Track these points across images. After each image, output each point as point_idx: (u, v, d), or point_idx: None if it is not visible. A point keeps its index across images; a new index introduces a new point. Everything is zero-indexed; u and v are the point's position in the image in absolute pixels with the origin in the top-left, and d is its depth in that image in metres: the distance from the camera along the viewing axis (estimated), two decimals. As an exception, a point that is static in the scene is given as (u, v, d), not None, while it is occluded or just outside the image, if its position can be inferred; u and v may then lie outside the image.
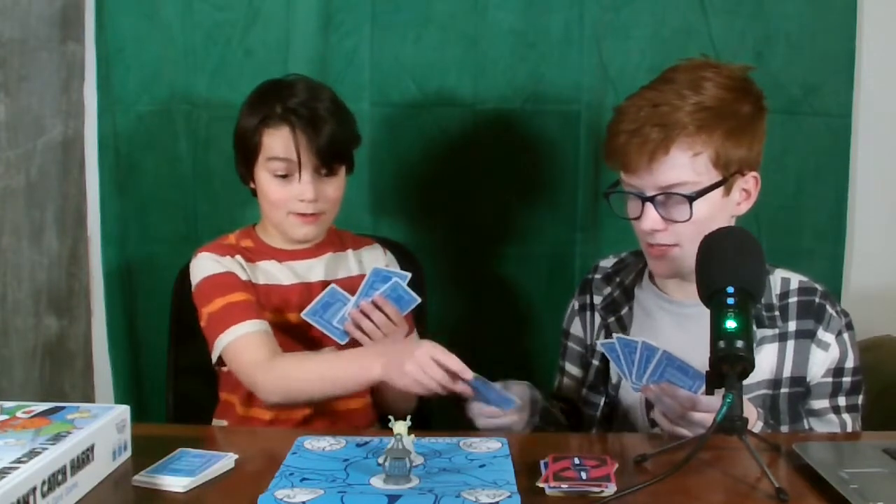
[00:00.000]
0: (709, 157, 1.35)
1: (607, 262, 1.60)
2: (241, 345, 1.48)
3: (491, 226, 2.08)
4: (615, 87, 2.00)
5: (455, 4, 2.01)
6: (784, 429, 1.39)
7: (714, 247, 1.23)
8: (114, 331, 2.15)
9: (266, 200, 1.59)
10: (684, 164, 1.34)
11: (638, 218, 1.39)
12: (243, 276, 1.58)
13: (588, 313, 1.58)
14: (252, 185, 1.62)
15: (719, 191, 1.37)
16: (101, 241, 2.14)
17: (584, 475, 1.07)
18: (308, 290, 1.62)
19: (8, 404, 1.16)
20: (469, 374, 1.30)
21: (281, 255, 1.63)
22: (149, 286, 2.10)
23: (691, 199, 1.34)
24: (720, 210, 1.38)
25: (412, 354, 1.31)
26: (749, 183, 1.41)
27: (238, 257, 1.60)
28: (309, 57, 2.03)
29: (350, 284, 1.62)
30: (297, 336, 1.60)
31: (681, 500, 1.06)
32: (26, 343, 1.98)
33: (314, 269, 1.64)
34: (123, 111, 2.08)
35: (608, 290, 1.55)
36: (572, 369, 1.59)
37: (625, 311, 1.50)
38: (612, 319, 1.51)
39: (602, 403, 1.48)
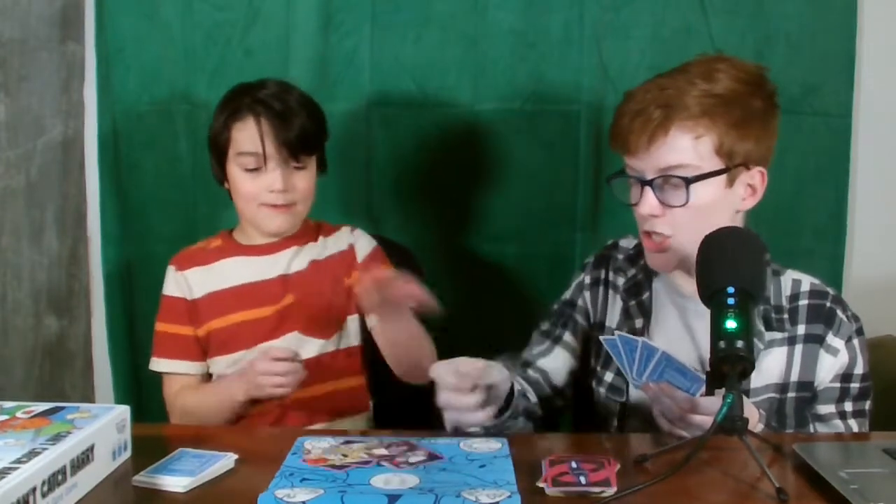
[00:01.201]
0: (711, 143, 1.33)
1: (628, 243, 1.56)
2: (165, 378, 1.68)
3: (491, 226, 2.08)
4: (615, 87, 2.00)
5: (455, 4, 2.01)
6: (789, 433, 1.38)
7: (714, 246, 1.22)
8: (114, 331, 2.15)
9: (238, 195, 1.62)
10: (685, 147, 1.33)
11: (637, 203, 1.38)
12: (199, 294, 1.65)
13: (601, 289, 1.54)
14: (227, 185, 1.65)
15: (721, 181, 1.35)
16: (101, 241, 2.14)
17: (582, 480, 1.07)
18: (266, 287, 1.64)
19: (8, 404, 1.16)
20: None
21: (248, 251, 1.67)
22: (149, 286, 2.09)
23: (688, 181, 1.32)
24: (722, 202, 1.36)
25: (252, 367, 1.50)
26: (755, 178, 1.39)
27: (194, 270, 1.67)
28: (309, 57, 2.03)
29: (314, 269, 1.65)
30: (252, 332, 1.63)
31: (681, 501, 1.06)
32: (26, 343, 1.98)
33: (276, 264, 1.66)
34: (123, 111, 2.09)
35: (633, 271, 1.52)
36: (571, 340, 1.55)
37: (646, 295, 1.48)
38: (633, 303, 1.49)
39: (626, 389, 1.47)
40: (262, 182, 1.58)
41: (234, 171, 1.60)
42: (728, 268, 1.17)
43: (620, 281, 1.52)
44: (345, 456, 1.16)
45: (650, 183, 1.35)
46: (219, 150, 1.61)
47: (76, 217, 2.14)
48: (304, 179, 1.61)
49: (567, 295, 1.58)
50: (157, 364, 1.67)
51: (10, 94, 1.90)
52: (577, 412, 1.59)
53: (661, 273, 1.48)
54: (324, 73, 2.03)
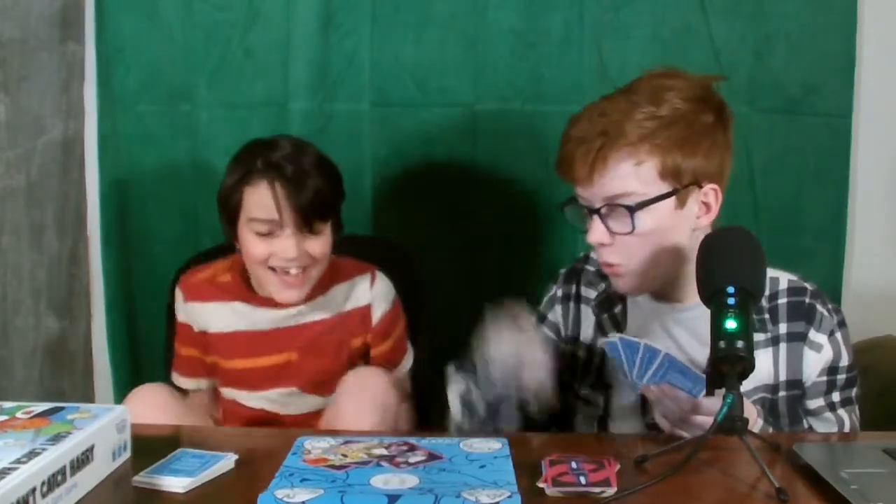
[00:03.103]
0: (655, 167, 1.31)
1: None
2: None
3: (491, 226, 2.08)
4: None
5: (455, 4, 2.01)
6: (789, 433, 1.38)
7: (714, 247, 1.22)
8: (114, 331, 2.15)
9: (248, 257, 1.55)
10: (627, 174, 1.31)
11: (587, 231, 1.36)
12: (198, 328, 1.64)
13: (572, 304, 1.54)
14: (236, 244, 1.57)
15: (669, 204, 1.32)
16: (101, 241, 2.14)
17: (582, 480, 1.07)
18: (267, 338, 1.61)
19: (8, 405, 1.16)
20: None
21: (254, 300, 1.61)
22: (149, 286, 2.10)
23: (632, 209, 1.31)
24: (675, 223, 1.34)
25: None
26: (709, 196, 1.36)
27: (196, 304, 1.63)
28: (309, 57, 2.03)
29: (322, 328, 1.62)
30: (251, 379, 1.62)
31: (681, 501, 1.06)
32: (26, 343, 1.98)
33: (282, 317, 1.61)
34: (123, 111, 2.08)
35: (603, 285, 1.50)
36: None
37: (618, 308, 1.47)
38: (605, 316, 1.48)
39: (602, 402, 1.47)
40: (274, 247, 1.50)
41: (245, 234, 1.52)
42: (727, 268, 1.17)
43: (592, 294, 1.52)
44: (344, 456, 1.16)
45: (598, 211, 1.34)
46: (229, 211, 1.53)
47: (76, 217, 2.14)
48: (320, 245, 1.53)
49: (540, 308, 1.58)
50: (174, 377, 1.71)
51: (10, 94, 1.90)
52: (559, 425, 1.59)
53: None
54: (324, 73, 2.03)
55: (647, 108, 1.32)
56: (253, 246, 1.52)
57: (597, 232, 1.34)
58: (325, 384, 1.59)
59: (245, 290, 1.62)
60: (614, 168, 1.31)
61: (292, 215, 1.49)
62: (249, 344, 1.61)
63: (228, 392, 1.65)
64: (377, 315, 1.65)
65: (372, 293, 1.65)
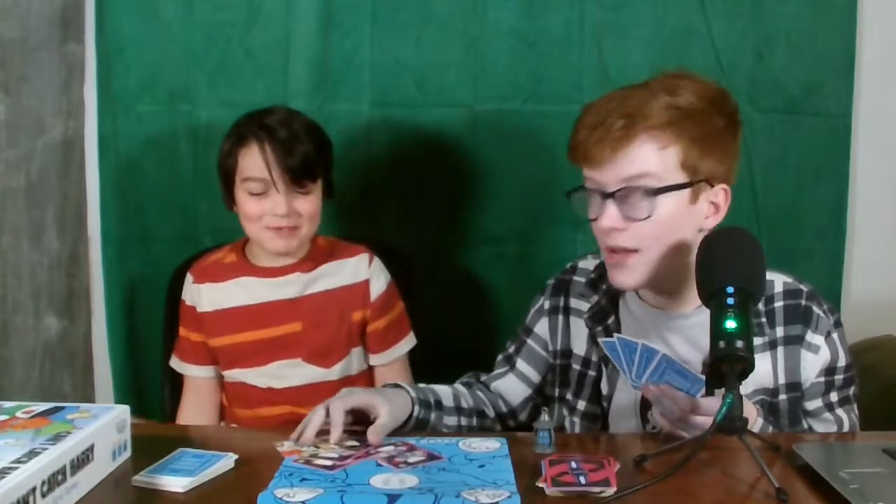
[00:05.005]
0: (676, 155, 1.29)
1: (588, 264, 1.52)
2: (184, 380, 1.77)
3: (491, 226, 2.08)
4: (615, 87, 1.99)
5: (455, 4, 2.01)
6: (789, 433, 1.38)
7: (714, 247, 1.22)
8: (114, 331, 2.15)
9: (244, 217, 1.65)
10: (650, 157, 1.29)
11: (597, 218, 1.33)
12: (207, 308, 1.71)
13: (561, 317, 1.51)
14: (235, 209, 1.68)
15: (685, 195, 1.30)
16: (101, 241, 2.14)
17: (582, 479, 1.07)
18: (271, 309, 1.69)
19: (8, 404, 1.16)
20: None
21: (258, 272, 1.71)
22: (149, 286, 2.10)
23: (654, 192, 1.28)
24: (686, 218, 1.32)
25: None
26: (719, 196, 1.34)
27: (207, 285, 1.72)
28: (309, 57, 2.03)
29: (324, 299, 1.70)
30: (257, 352, 1.69)
31: (680, 501, 1.06)
32: (26, 343, 1.98)
33: (285, 288, 1.70)
34: (123, 111, 2.08)
35: (595, 297, 1.48)
36: (526, 369, 1.54)
37: (611, 320, 1.44)
38: (599, 328, 1.45)
39: (600, 414, 1.45)
40: (267, 205, 1.61)
41: (241, 194, 1.64)
42: (727, 268, 1.17)
43: (584, 306, 1.49)
44: (317, 447, 1.17)
45: (612, 195, 1.31)
46: (226, 174, 1.66)
47: (76, 217, 2.14)
48: (308, 204, 1.64)
49: (527, 319, 1.56)
50: (174, 362, 1.77)
51: (10, 94, 1.90)
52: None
53: (625, 292, 1.44)
54: (324, 73, 2.03)
55: (666, 97, 1.30)
56: (247, 205, 1.63)
57: (609, 216, 1.31)
58: (326, 355, 1.69)
59: (248, 265, 1.72)
60: (638, 149, 1.29)
61: (281, 175, 1.59)
62: (254, 316, 1.69)
63: (232, 374, 1.72)
64: (375, 290, 1.72)
65: (370, 270, 1.73)
